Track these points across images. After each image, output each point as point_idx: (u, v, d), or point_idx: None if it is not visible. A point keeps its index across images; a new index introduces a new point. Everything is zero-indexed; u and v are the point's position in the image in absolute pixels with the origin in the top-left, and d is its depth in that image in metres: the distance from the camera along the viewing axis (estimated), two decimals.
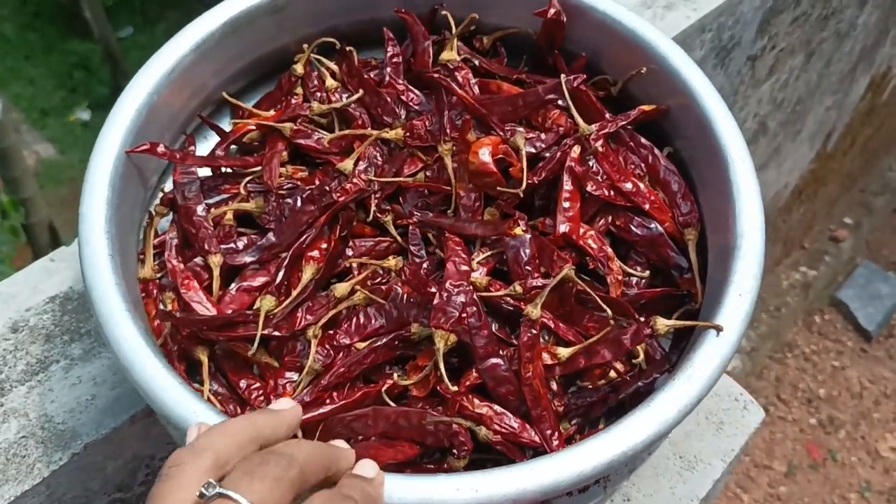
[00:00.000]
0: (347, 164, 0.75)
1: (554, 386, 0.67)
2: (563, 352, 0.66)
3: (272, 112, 0.81)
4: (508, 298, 0.68)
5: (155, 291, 0.72)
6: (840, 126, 2.14)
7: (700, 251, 0.73)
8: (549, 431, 0.64)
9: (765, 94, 1.58)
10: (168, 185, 0.78)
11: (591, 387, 0.69)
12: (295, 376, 0.68)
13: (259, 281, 0.72)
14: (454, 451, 0.63)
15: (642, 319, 0.67)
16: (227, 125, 0.82)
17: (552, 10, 0.78)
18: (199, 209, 0.74)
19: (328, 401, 0.65)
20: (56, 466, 0.74)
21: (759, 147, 1.80)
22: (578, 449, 0.56)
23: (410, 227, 0.75)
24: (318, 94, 0.82)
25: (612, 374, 0.69)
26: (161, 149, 0.72)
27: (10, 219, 2.10)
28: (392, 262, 0.72)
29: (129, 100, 0.71)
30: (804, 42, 1.54)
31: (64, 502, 0.78)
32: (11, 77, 3.48)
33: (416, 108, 0.80)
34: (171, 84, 0.74)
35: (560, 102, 0.76)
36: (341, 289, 0.70)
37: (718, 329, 0.61)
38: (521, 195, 0.71)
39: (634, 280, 0.74)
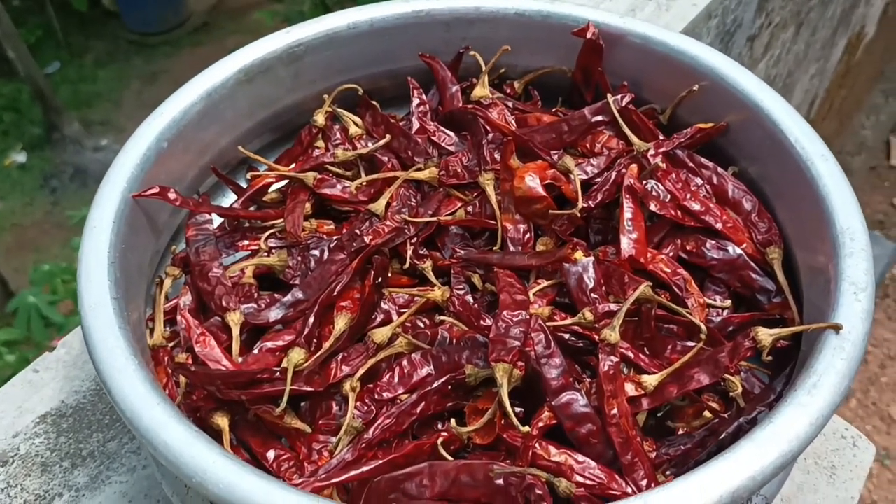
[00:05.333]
0: (379, 205, 0.67)
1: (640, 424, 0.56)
2: (650, 379, 0.55)
3: (292, 167, 0.74)
4: (576, 328, 0.58)
5: (166, 359, 0.63)
6: (821, 92, 2.12)
7: (786, 273, 0.64)
8: (644, 482, 0.52)
9: (760, 74, 1.54)
10: (180, 248, 0.70)
11: (684, 430, 0.58)
12: (332, 440, 0.57)
13: (285, 340, 0.62)
14: None
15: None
16: (244, 184, 0.75)
17: (591, 31, 0.72)
18: (215, 266, 0.66)
19: (373, 459, 0.54)
20: None
21: None
22: (698, 475, 0.45)
23: (453, 271, 0.66)
24: (342, 145, 0.75)
25: (707, 413, 0.58)
26: (172, 194, 0.64)
27: None
28: (437, 292, 0.62)
29: (133, 146, 0.65)
30: (795, 14, 1.51)
31: None
32: None
33: (450, 148, 0.73)
34: (179, 132, 0.67)
35: (608, 124, 0.69)
36: (380, 334, 0.60)
37: (837, 328, 0.51)
38: (578, 215, 0.63)
39: (715, 313, 0.64)
